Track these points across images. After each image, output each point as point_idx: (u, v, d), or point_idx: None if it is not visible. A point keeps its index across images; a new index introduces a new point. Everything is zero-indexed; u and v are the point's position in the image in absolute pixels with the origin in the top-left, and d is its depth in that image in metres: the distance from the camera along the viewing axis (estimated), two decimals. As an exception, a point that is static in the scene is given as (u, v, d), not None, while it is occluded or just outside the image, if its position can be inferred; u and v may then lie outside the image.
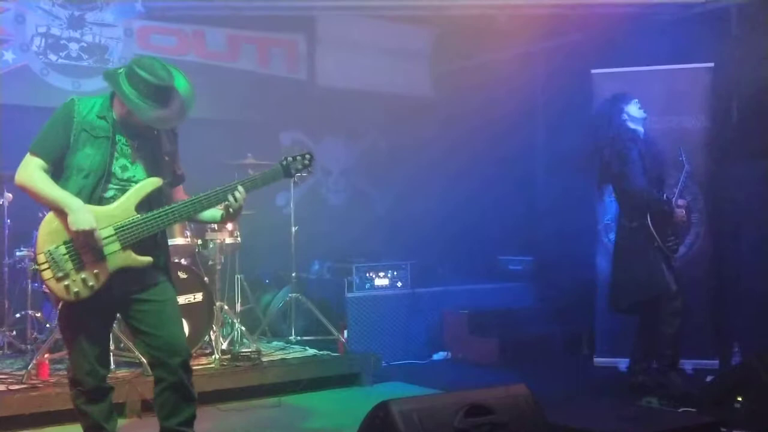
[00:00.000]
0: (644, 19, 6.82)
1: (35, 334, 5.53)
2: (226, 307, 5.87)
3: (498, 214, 7.69)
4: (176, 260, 5.47)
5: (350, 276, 6.79)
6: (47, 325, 5.59)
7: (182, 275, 5.40)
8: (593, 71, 6.53)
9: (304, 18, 7.88)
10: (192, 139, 6.41)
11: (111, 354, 3.68)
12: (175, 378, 3.37)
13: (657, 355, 5.21)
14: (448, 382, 5.65)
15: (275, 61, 8.04)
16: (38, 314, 5.56)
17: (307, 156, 3.63)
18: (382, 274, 6.93)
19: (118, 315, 3.68)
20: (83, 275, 3.25)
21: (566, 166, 6.96)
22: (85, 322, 3.38)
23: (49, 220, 3.28)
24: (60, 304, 3.33)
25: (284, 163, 3.58)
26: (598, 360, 6.37)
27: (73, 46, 6.98)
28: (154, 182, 3.38)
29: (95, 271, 3.26)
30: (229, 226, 5.76)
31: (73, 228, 3.20)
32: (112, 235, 3.26)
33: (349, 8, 7.33)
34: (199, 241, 5.76)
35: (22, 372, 4.85)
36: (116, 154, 3.34)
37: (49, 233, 3.27)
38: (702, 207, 6.11)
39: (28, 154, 3.32)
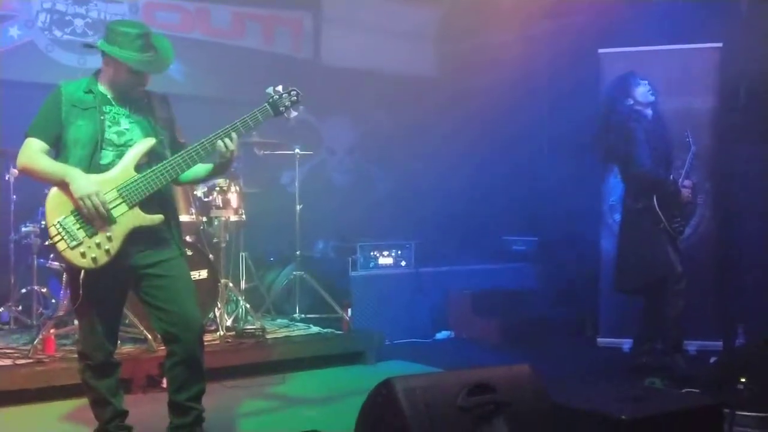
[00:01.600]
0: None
1: (41, 309, 5.56)
2: (230, 285, 5.89)
3: (502, 194, 7.67)
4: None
5: (354, 255, 6.80)
6: (53, 301, 5.62)
7: (187, 252, 5.38)
8: (600, 51, 6.49)
9: (309, -4, 7.85)
10: (197, 116, 6.38)
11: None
12: (188, 353, 3.44)
13: (661, 336, 5.22)
14: (452, 362, 5.67)
15: (280, 39, 8.01)
16: (44, 290, 5.58)
17: (293, 91, 3.63)
18: (386, 253, 6.93)
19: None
20: (97, 240, 3.30)
21: (571, 146, 6.93)
22: (100, 296, 3.42)
23: (54, 193, 3.33)
24: (81, 274, 3.34)
25: (271, 101, 3.59)
26: (602, 340, 6.39)
27: (78, 22, 6.95)
28: (150, 141, 3.44)
29: (108, 234, 3.31)
30: (234, 203, 5.75)
31: (77, 195, 3.26)
32: (116, 198, 3.32)
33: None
34: (204, 219, 5.76)
35: (28, 347, 4.87)
36: (108, 123, 3.42)
37: (55, 206, 3.31)
38: (708, 189, 6.10)
39: (27, 137, 3.41)
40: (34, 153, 3.36)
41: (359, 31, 8.28)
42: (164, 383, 4.88)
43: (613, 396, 3.49)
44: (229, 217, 5.81)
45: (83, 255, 3.28)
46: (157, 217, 3.40)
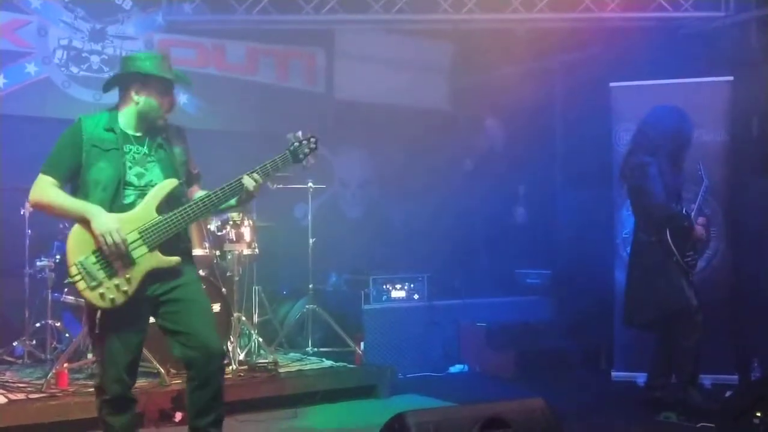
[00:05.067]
0: (663, 32, 6.81)
1: (55, 343, 5.58)
2: (243, 318, 5.90)
3: (516, 227, 7.69)
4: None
5: (367, 288, 6.80)
6: (66, 335, 5.64)
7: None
8: (611, 84, 6.52)
9: (322, 32, 7.92)
10: (211, 150, 6.46)
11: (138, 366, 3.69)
12: (208, 378, 3.44)
13: (676, 370, 5.17)
14: (465, 395, 5.63)
15: (294, 74, 8.10)
16: (58, 324, 5.61)
17: (312, 139, 3.69)
18: (398, 286, 6.93)
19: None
20: (116, 281, 3.31)
21: (584, 179, 6.95)
22: (119, 329, 3.42)
23: (76, 231, 3.34)
24: (98, 313, 3.36)
25: (291, 148, 3.64)
26: (616, 374, 6.34)
27: (95, 59, 7.06)
28: (172, 182, 3.45)
29: (127, 276, 3.32)
30: (247, 237, 5.78)
31: (98, 231, 3.27)
32: (137, 239, 3.33)
33: (368, 22, 7.35)
34: (218, 253, 5.79)
35: (42, 381, 4.88)
36: (129, 163, 3.42)
37: (77, 244, 3.32)
38: (721, 221, 6.07)
39: (40, 174, 3.41)
40: (48, 188, 3.37)
41: (372, 65, 8.37)
42: (177, 417, 4.91)
43: (630, 429, 3.47)
44: (242, 251, 5.84)
45: (102, 296, 3.30)
46: (174, 260, 3.42)
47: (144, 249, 3.34)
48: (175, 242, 3.46)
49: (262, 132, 7.49)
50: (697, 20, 6.68)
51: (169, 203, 3.43)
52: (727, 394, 5.25)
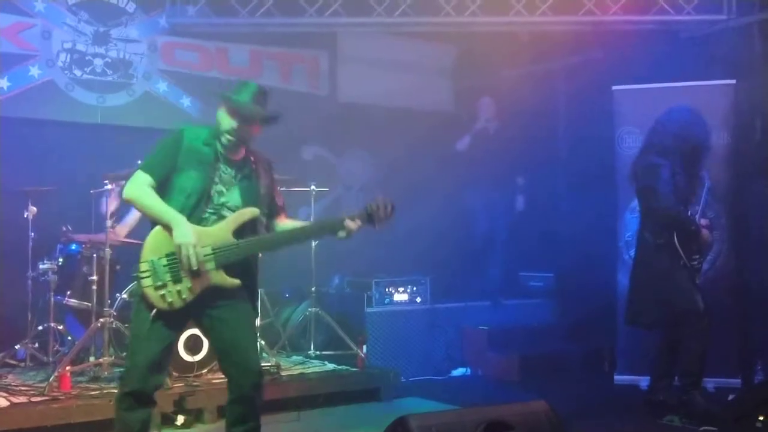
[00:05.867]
0: (665, 35, 6.81)
1: (57, 346, 5.58)
2: (246, 321, 5.88)
3: (519, 230, 7.67)
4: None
5: (370, 291, 6.80)
6: (69, 338, 5.64)
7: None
8: (614, 88, 6.52)
9: (326, 35, 7.93)
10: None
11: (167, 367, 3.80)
12: (243, 394, 3.58)
13: (681, 374, 5.16)
14: (468, 399, 5.63)
15: (297, 76, 8.11)
16: (60, 327, 5.60)
17: (390, 206, 3.83)
18: (401, 289, 6.93)
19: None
20: (179, 287, 3.45)
21: (587, 182, 6.94)
22: (162, 330, 3.52)
23: (156, 232, 3.50)
24: (153, 311, 3.47)
25: (369, 210, 3.75)
26: (619, 377, 6.33)
27: (98, 62, 7.06)
28: (253, 212, 3.59)
29: (189, 285, 3.46)
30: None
31: (177, 241, 3.42)
32: (209, 254, 3.47)
33: (371, 25, 7.36)
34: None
35: (44, 384, 4.88)
36: (216, 180, 3.57)
37: (154, 244, 3.48)
38: (724, 224, 6.07)
39: (139, 170, 3.56)
40: (145, 188, 3.51)
41: (375, 68, 8.37)
42: (179, 420, 4.91)
43: (631, 434, 3.47)
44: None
45: (163, 297, 3.44)
46: (236, 282, 3.54)
47: (212, 264, 3.49)
48: (242, 269, 3.61)
49: (264, 135, 7.45)
50: (699, 23, 6.67)
51: (245, 229, 3.57)
52: (730, 397, 5.26)
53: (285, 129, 8.07)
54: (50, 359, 5.47)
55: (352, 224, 3.69)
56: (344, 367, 6.03)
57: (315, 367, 6.04)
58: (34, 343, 5.62)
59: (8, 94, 6.63)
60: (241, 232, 3.55)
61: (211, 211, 3.55)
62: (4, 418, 4.45)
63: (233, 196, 3.60)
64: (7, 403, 4.67)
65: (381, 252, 7.70)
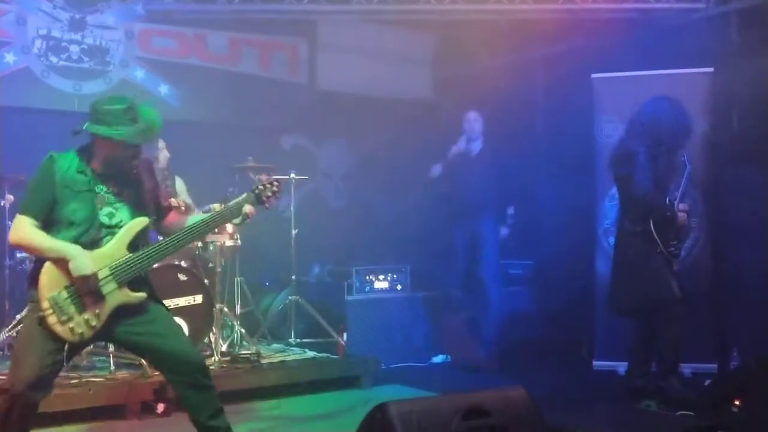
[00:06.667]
0: (644, 24, 6.83)
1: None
2: (225, 310, 5.88)
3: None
4: (176, 262, 5.49)
5: (350, 279, 6.80)
6: (12, 352, 5.59)
7: (182, 277, 5.43)
8: (593, 76, 6.55)
9: (305, 22, 7.89)
10: (193, 142, 6.45)
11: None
12: (200, 384, 3.60)
13: (658, 359, 5.21)
14: (447, 385, 5.65)
15: (276, 64, 8.07)
16: (38, 316, 5.57)
17: (275, 182, 3.85)
18: (381, 277, 6.94)
19: None
20: (86, 316, 3.43)
21: (566, 170, 6.97)
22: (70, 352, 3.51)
23: (49, 268, 3.43)
24: (66, 346, 3.43)
25: (256, 191, 3.81)
26: (597, 363, 6.39)
27: (74, 49, 7.00)
28: (142, 221, 3.58)
29: (96, 311, 3.44)
30: (229, 228, 5.78)
31: (76, 274, 3.39)
32: (108, 276, 3.45)
33: (351, 12, 7.32)
34: (200, 244, 5.77)
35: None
36: (100, 204, 3.53)
37: (50, 280, 3.42)
38: (702, 211, 6.12)
39: (18, 215, 3.50)
40: (30, 229, 3.45)
41: (354, 56, 8.33)
42: (159, 409, 4.90)
43: (610, 419, 3.50)
44: (224, 242, 5.82)
45: (72, 330, 3.40)
46: (141, 296, 3.54)
47: (113, 285, 3.47)
48: (144, 282, 3.62)
49: (244, 123, 7.48)
50: (678, 12, 6.70)
51: (139, 241, 3.57)
52: (707, 382, 5.32)
53: (264, 118, 8.15)
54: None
55: (248, 209, 3.73)
56: (325, 354, 6.05)
57: (295, 354, 6.06)
58: (12, 332, 5.58)
59: (-17, 81, 6.57)
60: (135, 244, 3.56)
61: (107, 232, 3.52)
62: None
63: (124, 214, 3.58)
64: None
65: (361, 240, 7.72)
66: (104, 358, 5.24)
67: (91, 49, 7.04)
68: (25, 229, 3.45)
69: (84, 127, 3.53)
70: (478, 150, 6.67)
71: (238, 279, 6.25)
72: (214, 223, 3.78)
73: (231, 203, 3.80)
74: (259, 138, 7.31)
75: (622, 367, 5.75)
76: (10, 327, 5.55)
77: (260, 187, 3.81)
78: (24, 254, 5.50)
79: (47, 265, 3.44)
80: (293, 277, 6.49)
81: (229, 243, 5.87)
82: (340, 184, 8.62)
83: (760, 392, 4.18)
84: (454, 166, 6.58)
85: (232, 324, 5.95)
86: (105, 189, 3.56)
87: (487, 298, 6.48)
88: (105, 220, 3.52)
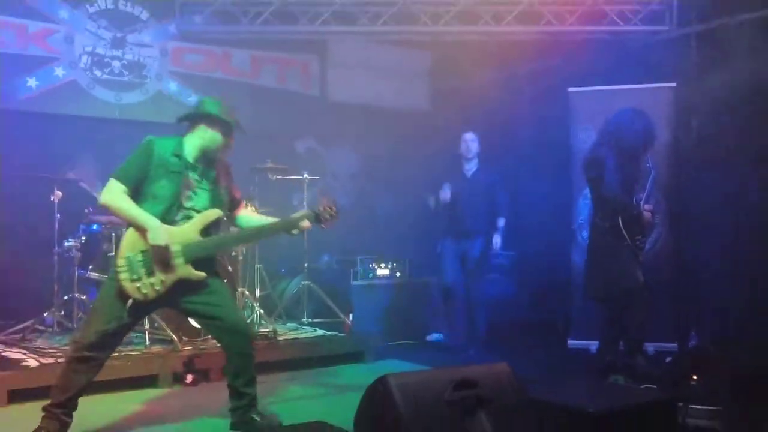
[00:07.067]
0: (615, 44, 6.82)
1: (81, 314, 5.54)
2: (246, 293, 5.89)
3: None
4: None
5: (355, 267, 6.81)
6: (91, 306, 5.61)
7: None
8: (570, 89, 6.53)
9: (317, 42, 7.90)
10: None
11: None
12: (242, 353, 3.68)
13: (625, 339, 5.20)
14: (440, 360, 5.66)
15: (292, 78, 8.07)
16: (83, 297, 5.57)
17: (333, 208, 3.92)
18: (383, 265, 6.95)
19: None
20: (152, 280, 3.49)
21: (545, 172, 6.96)
22: (128, 313, 3.54)
23: (131, 232, 3.52)
24: (130, 301, 3.50)
25: (317, 211, 3.88)
26: (572, 342, 6.39)
27: (116, 64, 7.01)
28: (216, 213, 3.67)
29: (162, 278, 3.51)
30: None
31: (152, 242, 3.45)
32: (178, 251, 3.52)
33: (357, 33, 7.33)
34: (224, 235, 5.77)
35: (69, 347, 4.85)
36: (184, 186, 3.59)
37: (129, 243, 3.50)
38: (664, 210, 6.11)
39: (112, 179, 3.52)
40: (118, 194, 3.49)
41: (360, 72, 8.34)
42: (188, 379, 4.90)
43: (582, 391, 3.48)
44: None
45: (138, 289, 3.47)
46: (201, 275, 3.59)
47: (181, 260, 3.53)
48: (209, 261, 3.68)
49: (263, 129, 7.43)
50: (644, 34, 6.70)
51: (210, 228, 3.65)
52: (668, 359, 5.30)
53: (281, 125, 8.12)
54: (74, 325, 5.44)
55: (306, 225, 3.80)
56: (333, 332, 6.05)
57: (307, 332, 6.05)
58: (60, 312, 5.59)
59: (36, 92, 6.59)
60: (207, 230, 3.61)
61: (182, 214, 3.57)
62: (34, 377, 4.44)
63: (201, 200, 3.63)
64: (37, 364, 4.66)
65: (365, 233, 7.71)
66: (140, 334, 5.24)
67: (130, 64, 7.05)
68: (115, 193, 3.48)
69: (204, 110, 3.67)
70: (475, 169, 6.28)
71: (257, 266, 6.26)
72: (275, 231, 3.86)
73: (293, 216, 3.85)
74: (276, 142, 7.30)
75: (593, 345, 5.75)
76: (57, 306, 5.57)
77: (321, 209, 3.86)
78: (70, 243, 5.50)
79: (130, 230, 3.52)
80: (305, 265, 6.48)
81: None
82: (346, 184, 8.59)
83: (714, 368, 4.18)
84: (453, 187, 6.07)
85: (252, 305, 5.95)
86: (192, 175, 3.62)
87: (473, 293, 6.30)
88: (184, 200, 3.57)
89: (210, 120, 3.66)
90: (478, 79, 7.91)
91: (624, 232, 5.08)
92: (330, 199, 3.91)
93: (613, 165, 5.03)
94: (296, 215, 3.84)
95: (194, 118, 3.70)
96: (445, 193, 6.03)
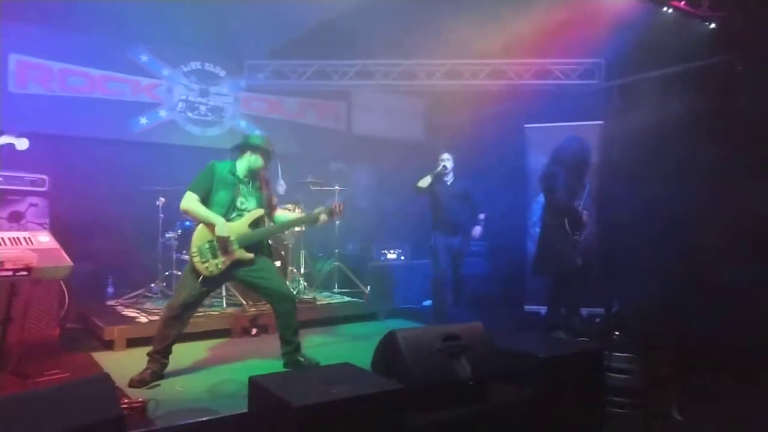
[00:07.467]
0: (559, 92, 6.77)
1: (177, 285, 5.56)
2: (294, 270, 5.89)
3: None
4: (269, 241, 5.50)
5: (371, 252, 6.79)
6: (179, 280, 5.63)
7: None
8: (526, 126, 6.49)
9: (345, 91, 7.88)
10: (275, 167, 6.39)
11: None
12: (285, 311, 3.70)
13: (564, 305, 5.16)
14: (432, 320, 5.63)
15: (327, 117, 8.05)
16: (179, 273, 5.58)
17: (342, 206, 3.92)
18: (392, 251, 6.94)
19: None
20: (216, 261, 3.56)
21: (508, 185, 6.91)
22: (203, 286, 3.61)
23: (201, 228, 3.61)
24: (201, 277, 3.57)
25: (330, 209, 3.89)
26: (527, 308, 6.34)
27: (202, 108, 7.02)
28: (260, 212, 3.72)
29: (223, 259, 3.57)
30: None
31: (218, 234, 3.53)
32: (234, 240, 3.59)
33: (373, 85, 7.34)
34: (279, 229, 5.77)
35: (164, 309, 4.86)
36: (237, 194, 3.66)
37: (200, 236, 3.59)
38: (594, 213, 6.06)
39: (188, 191, 3.60)
40: (193, 202, 3.58)
41: (375, 113, 8.33)
42: (253, 332, 4.91)
43: (534, 343, 3.46)
44: (294, 229, 5.82)
45: (206, 268, 3.55)
46: (250, 256, 3.64)
47: (236, 245, 3.58)
48: (258, 245, 3.70)
49: (306, 154, 7.45)
50: (580, 85, 6.65)
51: (257, 222, 3.69)
52: (597, 320, 5.26)
53: (319, 150, 8.11)
54: (173, 293, 5.44)
55: (324, 218, 3.82)
56: (356, 299, 6.04)
57: (337, 299, 6.05)
58: (162, 283, 5.62)
59: (145, 128, 6.61)
60: (254, 224, 3.66)
61: (237, 213, 3.62)
62: (144, 329, 4.46)
63: (250, 203, 3.67)
64: (146, 320, 4.69)
65: (378, 228, 7.69)
66: (219, 299, 5.25)
67: (212, 108, 7.06)
68: (192, 201, 3.57)
69: (249, 142, 3.72)
70: (452, 180, 6.00)
71: (302, 251, 6.26)
72: (300, 223, 3.92)
73: (313, 212, 3.86)
74: (315, 163, 7.30)
75: (543, 310, 5.72)
76: (160, 279, 5.59)
77: (333, 206, 3.89)
78: (170, 234, 5.51)
79: (200, 226, 3.59)
80: (336, 251, 6.47)
81: (296, 229, 5.86)
82: (365, 193, 8.57)
83: (630, 328, 4.15)
84: (435, 186, 5.87)
85: (298, 279, 5.95)
86: (243, 187, 3.68)
87: (458, 273, 6.17)
88: (239, 204, 3.63)
89: (253, 148, 3.71)
90: (459, 118, 7.87)
91: (568, 229, 5.05)
92: (341, 202, 3.95)
93: (562, 180, 5.01)
94: (315, 211, 3.86)
95: (243, 147, 3.75)
96: (425, 180, 5.80)
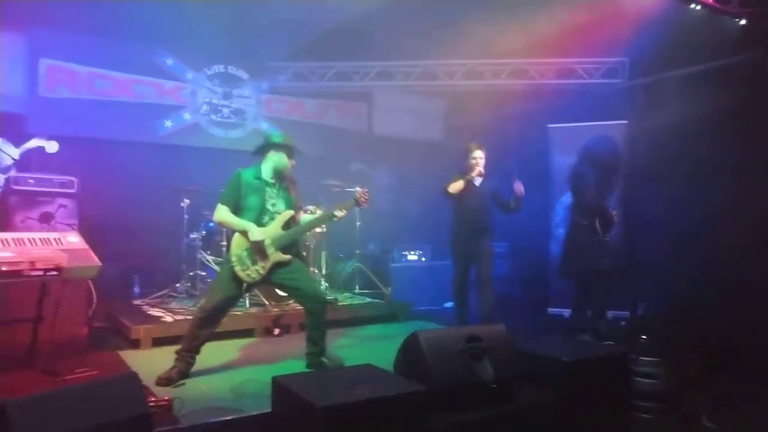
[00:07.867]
0: (583, 92, 6.69)
1: (201, 285, 5.64)
2: (316, 271, 5.92)
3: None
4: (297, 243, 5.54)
5: (392, 253, 6.79)
6: (209, 280, 5.69)
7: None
8: (549, 125, 6.43)
9: (366, 93, 7.90)
10: (296, 168, 6.44)
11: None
12: (316, 313, 3.74)
13: (591, 308, 5.08)
14: (454, 322, 5.60)
15: (348, 119, 8.08)
16: (203, 273, 5.66)
17: (366, 192, 3.91)
18: (412, 252, 6.93)
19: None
20: (256, 267, 3.60)
21: (531, 185, 6.83)
22: (237, 289, 3.64)
23: (237, 236, 3.64)
24: (245, 284, 3.61)
25: (356, 197, 3.88)
26: (551, 310, 6.27)
27: (225, 110, 7.11)
28: (290, 213, 3.75)
29: (263, 264, 3.61)
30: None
31: (252, 239, 3.57)
32: (270, 243, 3.62)
33: (393, 86, 7.34)
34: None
35: (194, 308, 4.93)
36: (266, 198, 3.68)
37: (237, 244, 3.62)
38: (620, 212, 5.97)
39: (219, 204, 3.65)
40: (224, 213, 3.62)
41: (396, 113, 8.33)
42: (275, 332, 4.96)
43: (558, 346, 3.43)
44: (315, 230, 5.85)
45: (248, 275, 3.59)
46: (288, 257, 3.68)
47: (273, 248, 3.62)
48: (292, 246, 3.74)
49: (327, 155, 7.49)
50: (604, 84, 6.55)
51: (288, 223, 3.72)
52: (623, 323, 5.18)
53: (340, 152, 8.15)
54: (197, 293, 5.53)
55: (339, 213, 3.79)
56: (377, 300, 6.05)
57: (358, 300, 6.06)
58: (187, 283, 5.70)
59: (170, 131, 6.72)
60: (286, 226, 3.68)
61: (269, 216, 3.64)
62: (169, 329, 4.53)
63: (280, 206, 3.70)
64: (171, 319, 4.76)
65: (399, 229, 7.69)
66: (243, 300, 5.31)
67: (235, 110, 7.14)
68: (223, 213, 3.61)
69: (276, 141, 3.73)
70: (480, 181, 5.62)
71: (323, 252, 6.29)
72: (323, 221, 3.90)
73: (332, 207, 3.84)
74: (336, 164, 7.34)
75: (567, 312, 5.65)
76: (185, 279, 5.67)
77: (357, 195, 3.86)
78: (195, 235, 5.58)
79: (236, 234, 3.62)
80: (357, 252, 6.49)
81: (318, 230, 5.90)
82: (386, 194, 8.58)
83: (656, 331, 4.07)
84: (465, 190, 5.48)
85: (319, 280, 5.98)
86: (270, 189, 3.71)
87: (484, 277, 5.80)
88: (269, 207, 3.66)
89: (275, 146, 3.71)
90: (480, 118, 7.84)
91: (599, 229, 4.97)
92: (364, 189, 3.93)
93: (591, 179, 4.94)
94: (335, 205, 3.85)
95: (264, 148, 3.75)
96: (458, 184, 5.35)
